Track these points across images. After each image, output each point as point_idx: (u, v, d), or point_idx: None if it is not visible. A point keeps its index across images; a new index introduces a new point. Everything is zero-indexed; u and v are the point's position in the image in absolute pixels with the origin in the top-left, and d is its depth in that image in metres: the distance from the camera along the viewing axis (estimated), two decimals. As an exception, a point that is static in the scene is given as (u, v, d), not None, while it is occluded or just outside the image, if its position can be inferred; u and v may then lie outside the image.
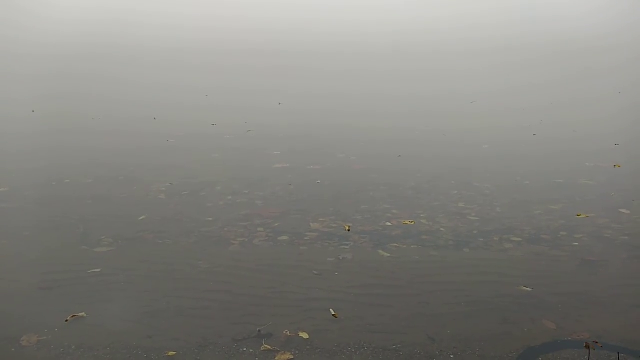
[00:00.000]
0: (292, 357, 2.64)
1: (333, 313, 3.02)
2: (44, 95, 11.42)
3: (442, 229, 4.34)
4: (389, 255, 3.85)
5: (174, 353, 2.68)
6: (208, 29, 20.79)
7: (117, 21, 21.41)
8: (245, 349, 2.71)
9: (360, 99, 11.31)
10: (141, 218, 4.63)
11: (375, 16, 21.53)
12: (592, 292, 3.25)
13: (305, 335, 2.81)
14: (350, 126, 8.70)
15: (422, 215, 4.65)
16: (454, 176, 5.85)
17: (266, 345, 2.72)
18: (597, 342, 2.54)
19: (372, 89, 12.41)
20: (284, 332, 2.83)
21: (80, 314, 3.02)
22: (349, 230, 4.28)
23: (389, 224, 4.46)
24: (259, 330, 2.85)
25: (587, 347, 2.45)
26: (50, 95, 11.44)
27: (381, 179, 5.79)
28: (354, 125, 8.78)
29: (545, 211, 4.71)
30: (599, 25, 18.03)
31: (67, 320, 2.95)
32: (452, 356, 2.63)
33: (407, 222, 4.46)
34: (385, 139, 7.86)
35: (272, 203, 5.06)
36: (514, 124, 8.63)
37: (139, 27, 20.51)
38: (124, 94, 11.91)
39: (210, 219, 4.62)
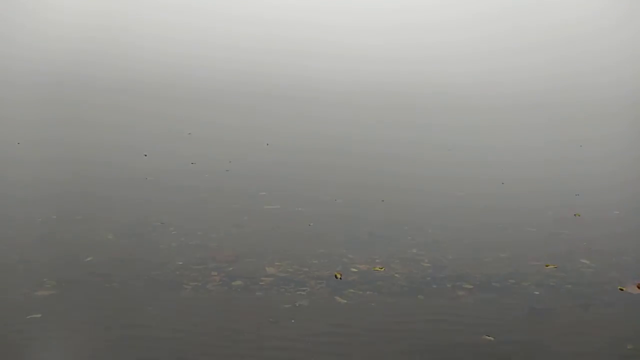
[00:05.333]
0: (247, 411, 2.54)
1: None
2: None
3: (396, 275, 4.38)
4: (345, 301, 3.83)
5: (121, 408, 2.52)
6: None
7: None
8: (197, 403, 2.59)
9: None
10: (88, 259, 4.41)
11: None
12: (542, 340, 3.34)
13: (261, 387, 2.72)
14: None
15: (377, 261, 4.69)
16: (409, 221, 5.97)
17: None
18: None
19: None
20: (239, 384, 2.73)
21: (17, 365, 2.80)
22: (340, 277, 4.23)
23: (353, 269, 4.46)
24: (213, 382, 2.74)
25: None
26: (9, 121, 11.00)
27: (337, 222, 5.83)
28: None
29: (494, 258, 4.86)
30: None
31: (1, 372, 2.73)
32: (409, 408, 2.61)
33: (377, 268, 4.48)
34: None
35: (226, 245, 4.97)
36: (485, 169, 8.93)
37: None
38: (84, 134, 11.62)
39: (162, 261, 4.47)
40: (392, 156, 10.14)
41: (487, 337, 3.32)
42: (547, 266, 4.60)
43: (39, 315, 3.38)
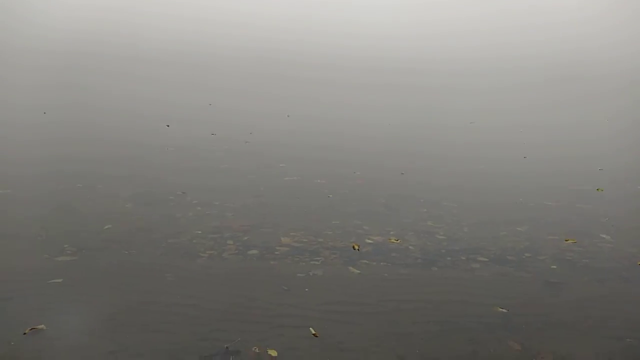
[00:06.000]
0: (260, 375, 2.60)
1: (313, 332, 2.99)
2: (29, 105, 11.11)
3: (411, 247, 4.38)
4: (359, 272, 3.86)
5: (138, 369, 2.60)
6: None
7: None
8: (212, 366, 2.66)
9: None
10: (107, 227, 4.50)
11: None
12: (555, 313, 3.33)
13: (274, 353, 2.77)
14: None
15: (391, 233, 4.68)
16: (426, 194, 5.93)
17: (234, 363, 2.67)
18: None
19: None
20: (253, 349, 2.79)
21: (40, 327, 2.90)
22: (357, 249, 4.25)
23: (369, 240, 4.46)
24: (227, 347, 2.80)
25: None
26: (36, 105, 11.15)
27: (354, 194, 5.83)
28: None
29: (510, 232, 4.82)
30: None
31: (25, 333, 2.82)
32: (420, 376, 2.64)
33: (393, 239, 4.48)
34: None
35: (242, 215, 5.01)
36: (506, 144, 8.77)
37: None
38: (106, 102, 11.71)
39: (179, 230, 4.53)
40: (413, 129, 10.03)
41: (500, 309, 3.32)
42: (566, 241, 4.54)
43: (59, 280, 3.48)
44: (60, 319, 3.02)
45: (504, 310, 3.30)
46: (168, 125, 9.09)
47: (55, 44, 18.34)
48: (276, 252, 4.16)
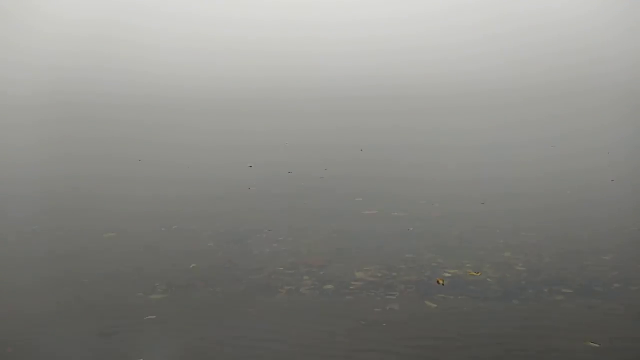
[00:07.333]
0: (344, 409, 2.64)
1: None
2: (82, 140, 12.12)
3: (489, 280, 4.29)
4: (436, 306, 3.84)
5: (229, 402, 2.73)
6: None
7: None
8: (297, 400, 2.74)
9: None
10: (192, 265, 4.79)
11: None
12: (652, 348, 3.13)
13: (356, 388, 2.82)
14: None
15: (467, 265, 4.62)
16: (502, 224, 5.77)
17: (318, 397, 2.74)
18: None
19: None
20: (335, 384, 2.85)
21: (139, 361, 3.14)
22: (442, 283, 4.26)
23: (446, 274, 4.43)
24: (310, 381, 2.89)
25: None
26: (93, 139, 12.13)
27: (427, 226, 5.79)
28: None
29: (596, 262, 4.59)
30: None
31: (126, 367, 3.07)
32: (507, 414, 2.58)
33: (472, 272, 4.42)
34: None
35: (317, 251, 5.14)
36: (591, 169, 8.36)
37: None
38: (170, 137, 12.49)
39: (258, 266, 4.73)
40: (492, 158, 9.79)
41: (592, 343, 3.17)
42: None
43: (153, 317, 3.75)
44: (157, 354, 3.25)
45: (596, 345, 3.15)
46: (251, 166, 9.47)
47: (147, 89, 19.86)
48: (351, 287, 4.23)
